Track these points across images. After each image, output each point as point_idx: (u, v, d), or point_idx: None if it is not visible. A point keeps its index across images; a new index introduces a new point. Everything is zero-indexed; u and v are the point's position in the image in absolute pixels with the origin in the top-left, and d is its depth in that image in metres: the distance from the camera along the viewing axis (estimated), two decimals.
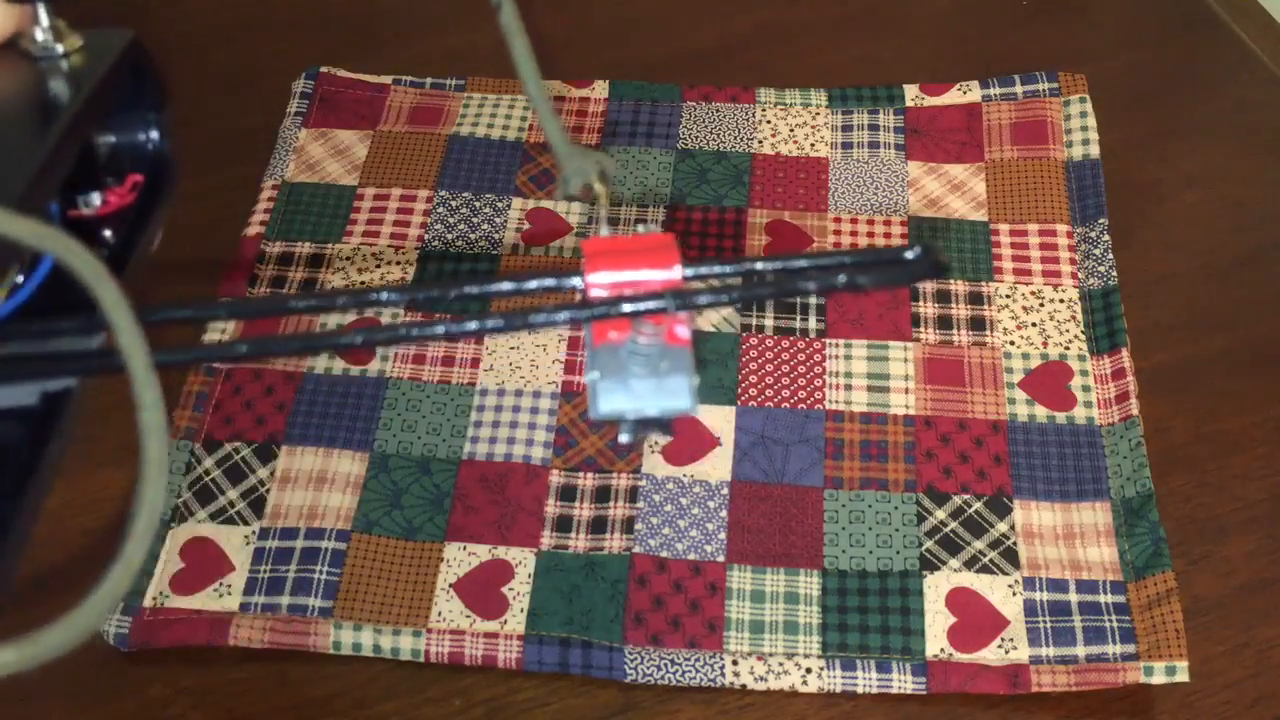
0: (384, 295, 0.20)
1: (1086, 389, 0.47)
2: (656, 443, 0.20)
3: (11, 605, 0.47)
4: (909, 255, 0.19)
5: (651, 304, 0.19)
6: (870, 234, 0.53)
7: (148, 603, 0.43)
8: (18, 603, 0.47)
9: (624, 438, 0.21)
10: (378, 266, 0.52)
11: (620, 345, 0.20)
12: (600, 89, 0.58)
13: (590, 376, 0.19)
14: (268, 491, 0.46)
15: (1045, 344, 0.49)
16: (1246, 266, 0.52)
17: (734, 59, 0.61)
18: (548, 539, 0.44)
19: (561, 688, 0.42)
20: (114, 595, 0.16)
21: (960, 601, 0.43)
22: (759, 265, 0.20)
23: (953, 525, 0.44)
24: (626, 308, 0.19)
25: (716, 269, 0.20)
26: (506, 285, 0.20)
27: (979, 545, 0.44)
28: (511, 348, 0.50)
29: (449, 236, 0.53)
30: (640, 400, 0.19)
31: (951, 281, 0.51)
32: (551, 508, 0.45)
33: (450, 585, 0.43)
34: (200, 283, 0.52)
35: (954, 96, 0.57)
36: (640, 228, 0.21)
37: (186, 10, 0.65)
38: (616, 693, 0.41)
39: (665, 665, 0.41)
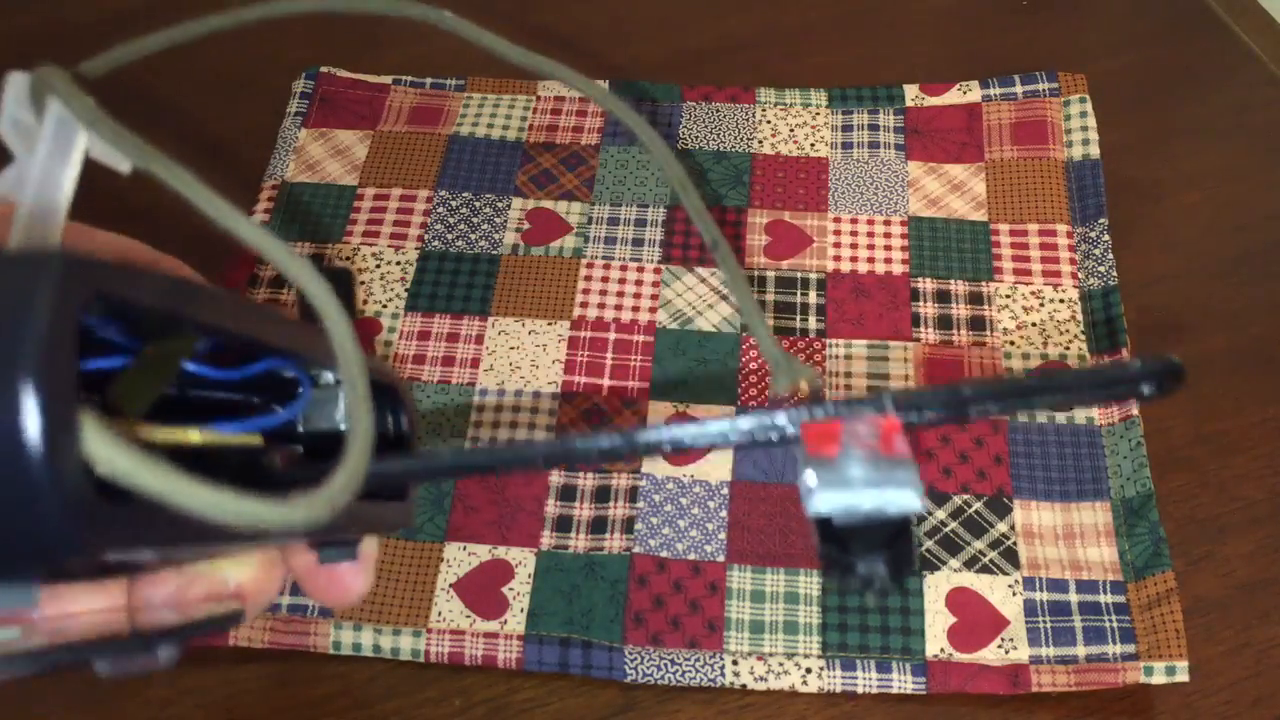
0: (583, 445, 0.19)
1: None
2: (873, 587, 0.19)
3: None
4: (1140, 370, 0.18)
5: (866, 406, 0.18)
6: (870, 234, 0.53)
7: None
8: None
9: (835, 578, 0.19)
10: (377, 267, 0.52)
11: (835, 456, 0.18)
12: (600, 89, 0.58)
13: (804, 480, 0.18)
14: None
15: (1045, 344, 0.49)
16: (1247, 266, 0.52)
17: (734, 59, 0.61)
18: (548, 539, 0.44)
19: (561, 688, 0.42)
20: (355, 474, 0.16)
21: (960, 601, 0.43)
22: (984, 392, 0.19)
23: (952, 525, 0.44)
24: (838, 409, 0.18)
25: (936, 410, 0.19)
26: (694, 431, 0.19)
27: (979, 545, 0.44)
28: (512, 348, 0.50)
29: (449, 236, 0.53)
30: (860, 495, 0.18)
31: (951, 281, 0.51)
32: (551, 508, 0.45)
33: (450, 585, 0.43)
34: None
35: (954, 96, 0.57)
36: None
37: (187, 10, 0.64)
38: (616, 693, 0.41)
39: (665, 665, 0.41)
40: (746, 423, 0.18)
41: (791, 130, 0.56)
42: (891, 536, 0.18)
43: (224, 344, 0.20)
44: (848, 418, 0.18)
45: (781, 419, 0.18)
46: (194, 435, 0.17)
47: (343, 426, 0.22)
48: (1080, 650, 0.41)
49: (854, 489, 0.18)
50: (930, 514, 0.45)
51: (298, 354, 0.20)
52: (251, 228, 0.18)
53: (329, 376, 0.22)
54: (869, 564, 0.18)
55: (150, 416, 0.17)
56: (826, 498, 0.18)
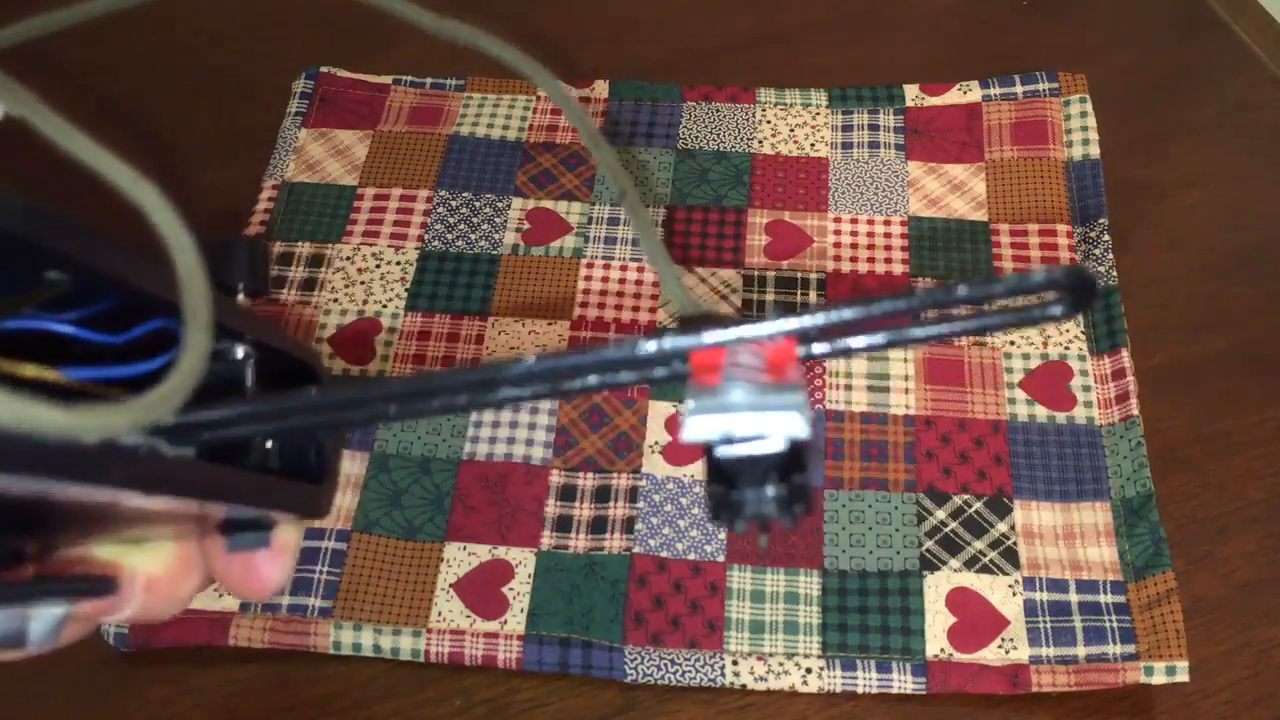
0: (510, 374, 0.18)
1: (1087, 389, 0.47)
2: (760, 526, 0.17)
3: None
4: (1045, 280, 0.16)
5: (755, 329, 0.17)
6: (870, 234, 0.53)
7: None
8: None
9: (737, 528, 0.18)
10: (377, 267, 0.52)
11: (717, 383, 0.17)
12: (600, 89, 0.58)
13: (685, 406, 0.17)
14: None
15: (1045, 344, 0.49)
16: (1247, 266, 0.52)
17: (734, 59, 0.61)
18: (548, 539, 0.44)
19: (561, 688, 0.42)
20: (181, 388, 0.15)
21: (960, 601, 0.43)
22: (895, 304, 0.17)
23: (953, 525, 0.44)
24: (725, 334, 0.17)
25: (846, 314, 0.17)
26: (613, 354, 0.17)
27: (979, 545, 0.44)
28: (511, 348, 0.50)
29: (449, 236, 0.53)
30: (736, 419, 0.16)
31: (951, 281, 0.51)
32: (551, 508, 0.45)
33: (450, 585, 0.43)
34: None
35: (954, 96, 0.57)
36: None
37: (187, 9, 0.65)
38: (616, 693, 0.41)
39: (665, 665, 0.41)
40: (627, 350, 0.17)
41: (791, 130, 0.56)
42: (783, 470, 0.17)
43: (117, 308, 0.19)
44: (733, 345, 0.17)
45: (665, 344, 0.17)
46: (28, 369, 0.16)
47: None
48: (1080, 650, 0.41)
49: (730, 413, 0.16)
50: (930, 514, 0.45)
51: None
52: (117, 165, 0.17)
53: (240, 350, 0.21)
54: (758, 501, 0.17)
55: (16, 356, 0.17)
56: (700, 422, 0.16)
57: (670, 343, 0.17)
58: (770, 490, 0.17)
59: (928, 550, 0.44)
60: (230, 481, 0.19)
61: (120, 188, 0.16)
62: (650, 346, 0.17)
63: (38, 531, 0.19)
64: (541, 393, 0.18)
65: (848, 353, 0.17)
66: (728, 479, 0.17)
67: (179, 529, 0.21)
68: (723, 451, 0.17)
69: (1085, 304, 0.17)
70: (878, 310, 0.17)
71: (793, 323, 0.17)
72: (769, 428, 0.16)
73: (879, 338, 0.17)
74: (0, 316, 0.17)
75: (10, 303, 0.17)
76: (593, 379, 0.18)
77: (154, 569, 0.21)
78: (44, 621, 0.19)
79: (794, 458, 0.17)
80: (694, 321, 0.18)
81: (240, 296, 0.22)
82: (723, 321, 0.18)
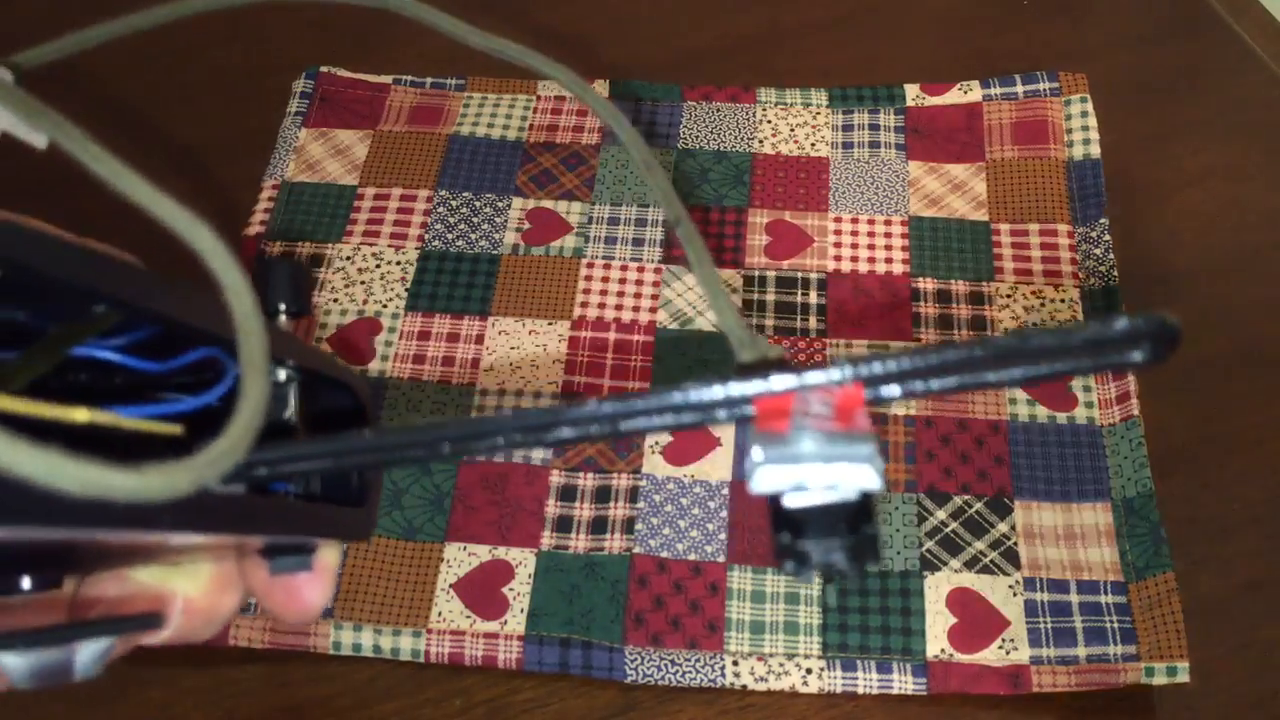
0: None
1: (1087, 389, 0.47)
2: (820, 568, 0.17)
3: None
4: (1128, 331, 0.16)
5: (825, 375, 0.16)
6: (871, 234, 0.53)
7: None
8: None
9: (804, 578, 0.17)
10: (378, 267, 0.52)
11: (786, 431, 0.16)
12: (600, 89, 0.58)
13: (751, 456, 0.16)
14: None
15: None
16: (1248, 266, 0.52)
17: (734, 58, 0.61)
18: (548, 539, 0.44)
19: (561, 688, 0.42)
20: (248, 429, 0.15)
21: (961, 602, 0.42)
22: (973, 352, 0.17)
23: (953, 526, 0.44)
24: (793, 380, 0.16)
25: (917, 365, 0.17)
26: (662, 407, 0.17)
27: (979, 546, 0.44)
28: (512, 348, 0.50)
29: (449, 236, 0.53)
30: (808, 471, 0.16)
31: (952, 281, 0.51)
32: (552, 508, 0.45)
33: (450, 585, 0.43)
34: (201, 282, 0.52)
35: (955, 96, 0.57)
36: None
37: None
38: (617, 693, 0.41)
39: (665, 666, 0.41)
40: (692, 394, 0.17)
41: (792, 130, 0.56)
42: (852, 520, 0.17)
43: (161, 335, 0.19)
44: (802, 390, 0.16)
45: (732, 390, 0.17)
46: (80, 414, 0.16)
47: (293, 420, 0.21)
48: (1081, 651, 0.41)
49: (802, 464, 0.16)
50: (931, 514, 0.45)
51: (225, 340, 0.19)
52: (170, 206, 0.17)
53: (282, 374, 0.21)
54: (826, 551, 0.17)
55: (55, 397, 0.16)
56: (770, 473, 0.16)
57: (739, 389, 0.17)
58: (838, 541, 0.17)
59: (928, 551, 0.44)
60: (278, 514, 0.19)
61: (175, 230, 0.17)
62: (718, 392, 0.17)
63: (80, 560, 0.19)
64: (601, 434, 0.17)
65: (916, 395, 0.17)
66: (794, 526, 0.17)
67: (218, 551, 0.21)
68: (790, 501, 0.16)
69: (1168, 352, 0.16)
70: (952, 358, 0.16)
71: (864, 370, 0.16)
72: (840, 479, 0.16)
73: (951, 381, 0.17)
74: (49, 356, 0.17)
75: (58, 338, 0.17)
76: (655, 419, 0.17)
77: (192, 591, 0.21)
78: (90, 653, 0.19)
79: (863, 508, 0.17)
80: (755, 365, 0.18)
81: (282, 319, 0.22)
82: (787, 365, 0.17)
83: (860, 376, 0.16)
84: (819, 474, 0.16)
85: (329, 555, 0.22)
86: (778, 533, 0.17)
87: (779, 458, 0.16)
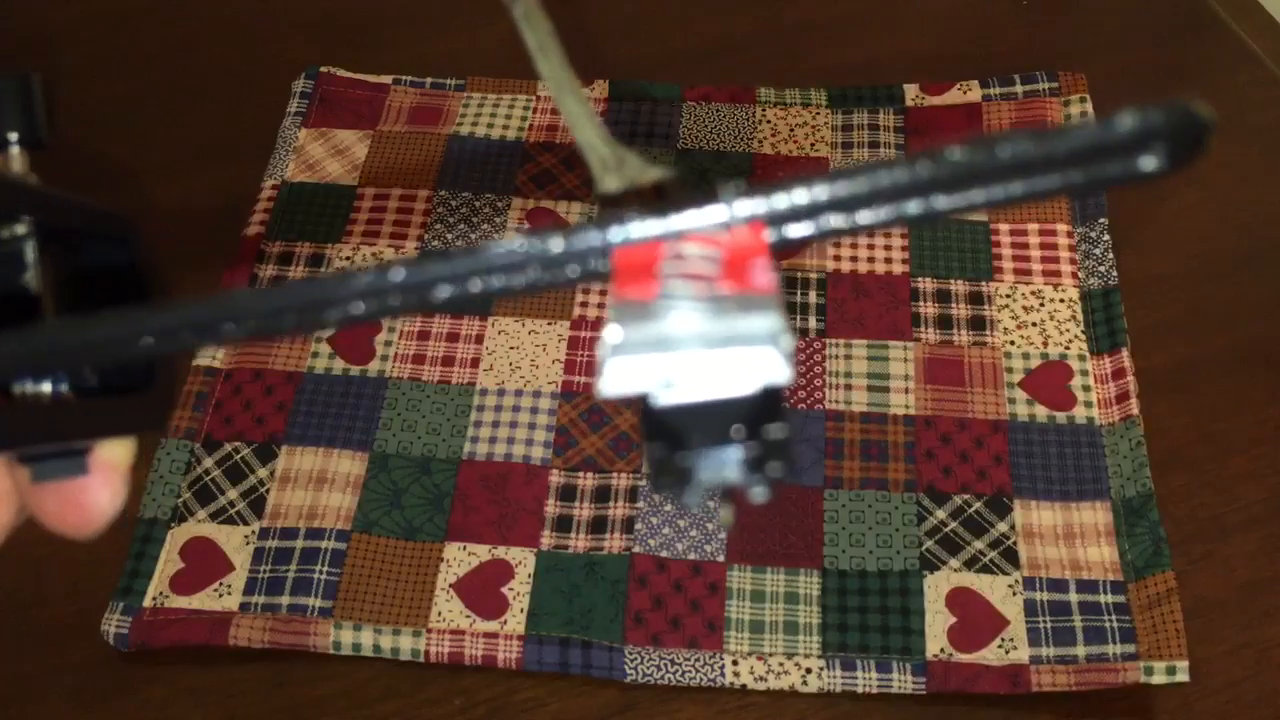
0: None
1: (1087, 389, 0.47)
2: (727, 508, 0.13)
3: (19, 606, 0.47)
4: (1140, 129, 0.11)
5: (706, 214, 0.12)
6: (870, 233, 0.53)
7: (147, 603, 0.43)
8: (19, 604, 0.47)
9: (689, 501, 0.13)
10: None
11: (651, 299, 0.12)
12: (600, 89, 0.58)
13: (604, 339, 0.12)
14: (267, 491, 0.46)
15: (1045, 344, 0.49)
16: (1247, 266, 0.52)
17: (734, 58, 0.61)
18: (548, 539, 0.44)
19: (561, 688, 0.42)
20: None
21: (960, 601, 0.43)
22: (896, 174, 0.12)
23: (953, 525, 0.44)
24: (660, 222, 0.12)
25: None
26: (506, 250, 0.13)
27: (979, 545, 0.44)
28: (511, 348, 0.50)
29: (449, 236, 0.53)
30: (685, 360, 0.11)
31: (951, 281, 0.51)
32: (551, 508, 0.45)
33: (450, 585, 0.43)
34: (200, 283, 0.52)
35: (954, 96, 0.57)
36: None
37: (186, 9, 0.65)
38: (617, 693, 0.41)
39: (665, 665, 0.41)
40: (519, 246, 0.13)
41: (792, 130, 0.56)
42: (751, 420, 0.12)
43: None
44: (674, 237, 0.12)
45: (574, 238, 0.12)
46: None
47: (32, 287, 0.17)
48: (1080, 650, 0.41)
49: (671, 348, 0.11)
50: (930, 514, 0.45)
51: None
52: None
53: (19, 228, 0.17)
54: (715, 467, 0.12)
55: None
56: (625, 366, 0.11)
57: (582, 236, 0.12)
58: (734, 452, 0.12)
59: (928, 550, 0.44)
60: (22, 423, 0.16)
61: None
62: (553, 243, 0.12)
63: None
64: (407, 305, 0.13)
65: (841, 233, 0.12)
66: (671, 434, 0.12)
67: None
68: (663, 397, 0.12)
69: (1190, 155, 0.12)
70: (886, 181, 0.12)
71: (761, 204, 0.12)
72: (731, 369, 0.12)
73: (885, 211, 0.12)
74: None
75: None
76: (471, 284, 0.13)
77: None
78: None
79: (767, 402, 0.12)
80: (622, 198, 0.14)
81: (13, 151, 0.18)
82: (668, 197, 0.13)
83: (758, 214, 0.12)
84: (699, 363, 0.12)
85: (110, 450, 0.19)
86: (649, 442, 0.12)
87: (640, 341, 0.12)
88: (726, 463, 0.12)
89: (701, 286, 0.12)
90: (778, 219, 0.12)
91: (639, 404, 0.12)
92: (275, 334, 0.13)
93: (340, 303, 0.13)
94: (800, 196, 0.12)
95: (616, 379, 0.12)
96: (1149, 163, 0.12)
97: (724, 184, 0.12)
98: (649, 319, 0.12)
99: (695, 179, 0.54)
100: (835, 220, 0.12)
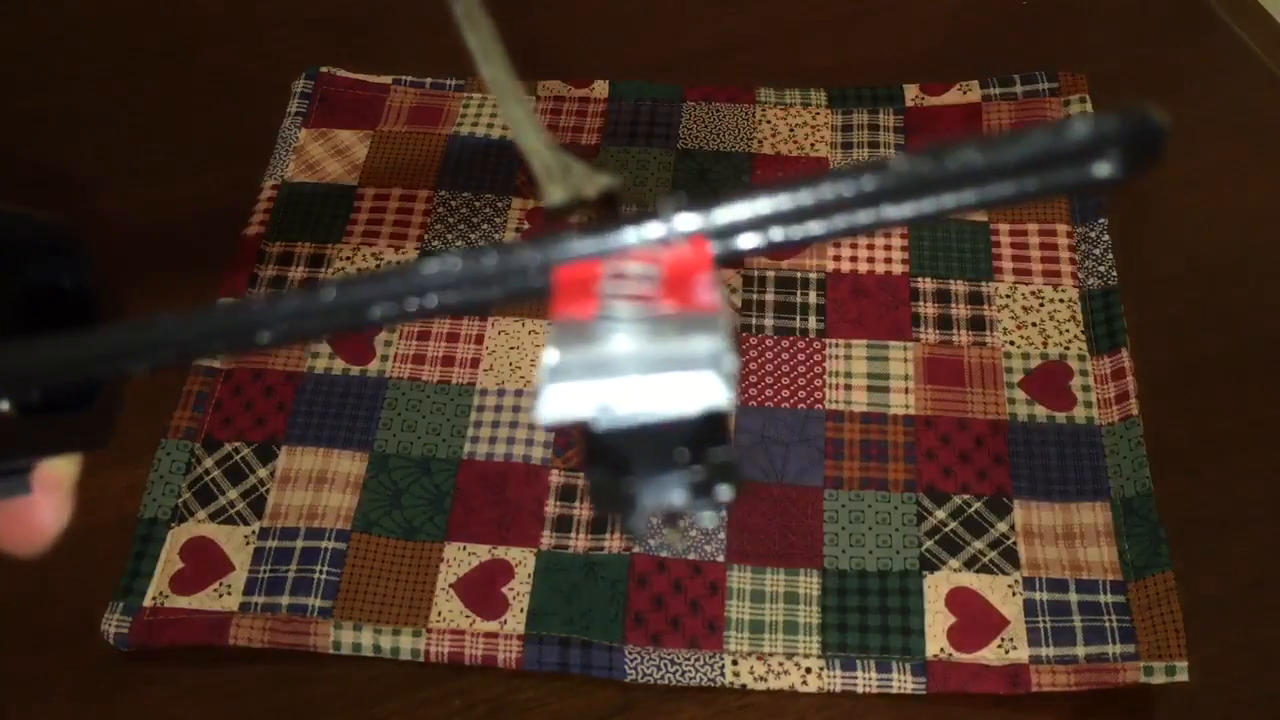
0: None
1: (1086, 389, 0.47)
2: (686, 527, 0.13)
3: (19, 607, 0.47)
4: (1078, 132, 0.11)
5: (646, 229, 0.12)
6: (871, 232, 0.53)
7: (148, 603, 0.43)
8: (20, 605, 0.47)
9: (632, 527, 0.12)
10: (378, 267, 0.52)
11: (590, 318, 0.12)
12: (600, 89, 0.58)
13: (543, 362, 0.12)
14: (268, 491, 0.46)
15: (1045, 344, 0.49)
16: (1247, 267, 0.52)
17: (734, 58, 0.61)
18: (547, 539, 0.44)
19: (561, 688, 0.42)
20: None
21: (960, 601, 0.43)
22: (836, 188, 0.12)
23: (952, 525, 0.44)
24: (597, 239, 0.12)
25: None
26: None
27: (979, 545, 0.44)
28: (511, 348, 0.50)
29: (449, 236, 0.53)
30: (624, 385, 0.11)
31: (951, 281, 0.51)
32: (551, 508, 0.45)
33: (450, 585, 0.43)
34: (200, 283, 0.52)
35: (954, 96, 0.57)
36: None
37: (187, 10, 0.65)
38: (616, 693, 0.41)
39: (665, 665, 0.41)
40: (453, 264, 0.12)
41: (791, 130, 0.56)
42: (695, 441, 0.12)
43: None
44: (613, 253, 0.12)
45: (511, 254, 0.12)
46: None
47: None
48: (1080, 650, 0.41)
49: (608, 374, 0.11)
50: (930, 514, 0.45)
51: None
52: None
53: None
54: (658, 491, 0.12)
55: None
56: (562, 393, 0.11)
57: (518, 256, 0.12)
58: (677, 474, 0.12)
59: (927, 550, 0.44)
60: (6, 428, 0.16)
61: None
62: (485, 261, 0.12)
63: None
64: (342, 325, 0.13)
65: (783, 246, 0.12)
66: (612, 457, 0.12)
67: None
68: (603, 422, 0.12)
69: (1146, 163, 0.11)
70: (830, 194, 0.12)
71: (705, 217, 0.12)
72: (670, 393, 0.11)
73: (836, 222, 0.12)
74: None
75: None
76: (412, 303, 0.13)
77: None
78: None
79: (710, 424, 0.12)
80: (566, 208, 0.13)
81: None
82: (614, 209, 0.13)
83: (702, 228, 0.12)
84: (638, 388, 0.11)
85: (53, 469, 0.19)
86: (589, 465, 0.12)
87: (579, 365, 0.11)
88: (670, 487, 0.12)
89: (642, 305, 0.12)
90: (721, 234, 0.12)
91: (579, 428, 0.12)
92: (204, 357, 0.14)
93: (270, 325, 0.13)
94: (743, 211, 0.12)
95: (554, 405, 0.11)
96: (1104, 169, 0.11)
97: (664, 199, 0.12)
98: (588, 341, 0.11)
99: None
100: (782, 233, 0.12)
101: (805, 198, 0.12)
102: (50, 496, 0.19)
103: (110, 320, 0.17)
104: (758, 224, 0.12)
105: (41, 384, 0.14)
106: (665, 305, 0.12)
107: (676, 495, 0.12)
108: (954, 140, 0.11)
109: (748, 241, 0.12)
